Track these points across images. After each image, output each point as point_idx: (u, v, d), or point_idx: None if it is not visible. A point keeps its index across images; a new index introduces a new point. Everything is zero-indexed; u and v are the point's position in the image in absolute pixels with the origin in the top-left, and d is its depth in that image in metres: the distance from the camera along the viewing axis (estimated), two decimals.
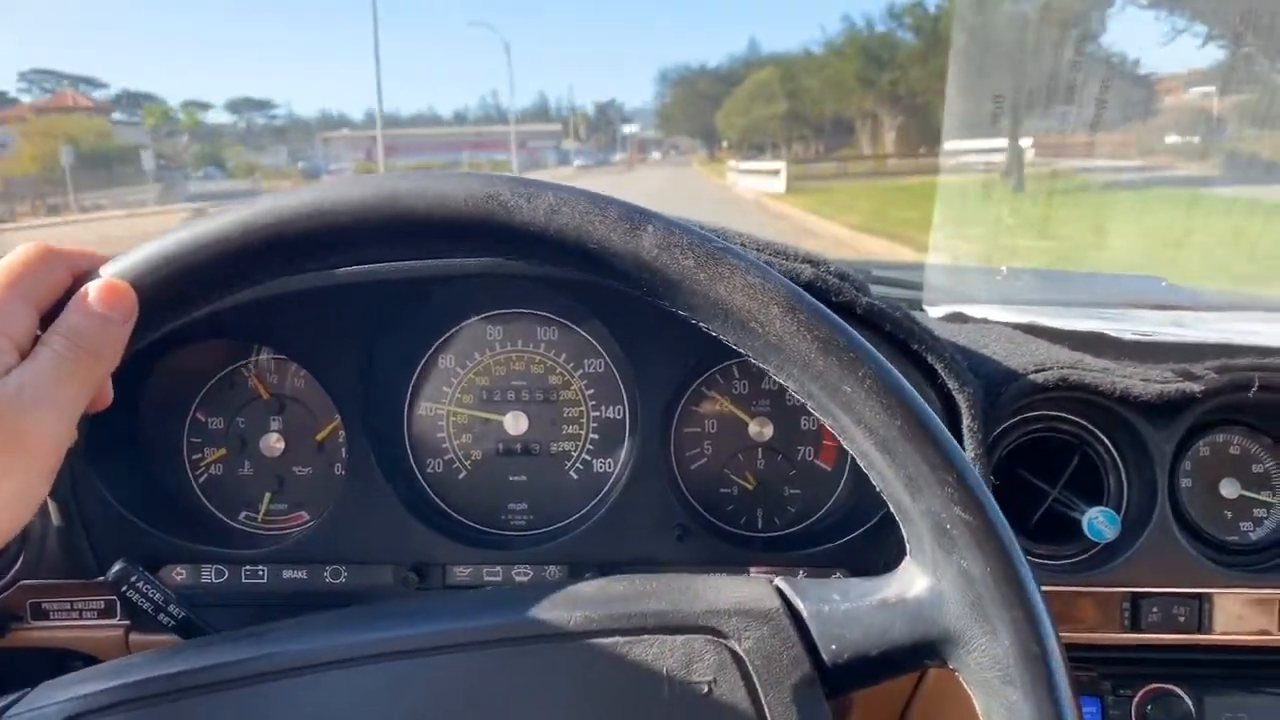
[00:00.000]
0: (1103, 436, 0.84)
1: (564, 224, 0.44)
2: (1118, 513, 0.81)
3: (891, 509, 0.46)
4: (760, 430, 0.90)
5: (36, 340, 0.44)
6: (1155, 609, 0.82)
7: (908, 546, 0.46)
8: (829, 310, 0.45)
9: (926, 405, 0.44)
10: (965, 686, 0.44)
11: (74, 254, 0.47)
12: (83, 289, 0.45)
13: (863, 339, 0.45)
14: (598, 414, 0.91)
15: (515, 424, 0.90)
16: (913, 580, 0.45)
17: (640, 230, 0.44)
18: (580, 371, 0.91)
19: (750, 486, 0.91)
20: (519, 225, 0.44)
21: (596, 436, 0.91)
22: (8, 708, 0.51)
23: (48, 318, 0.45)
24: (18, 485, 0.41)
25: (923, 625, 0.44)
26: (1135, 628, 0.83)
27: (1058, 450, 0.85)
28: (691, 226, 0.46)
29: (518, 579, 0.86)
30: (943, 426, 0.44)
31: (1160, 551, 0.82)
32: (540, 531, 0.90)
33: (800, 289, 0.45)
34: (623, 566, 0.86)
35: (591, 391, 0.91)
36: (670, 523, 0.85)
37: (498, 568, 0.86)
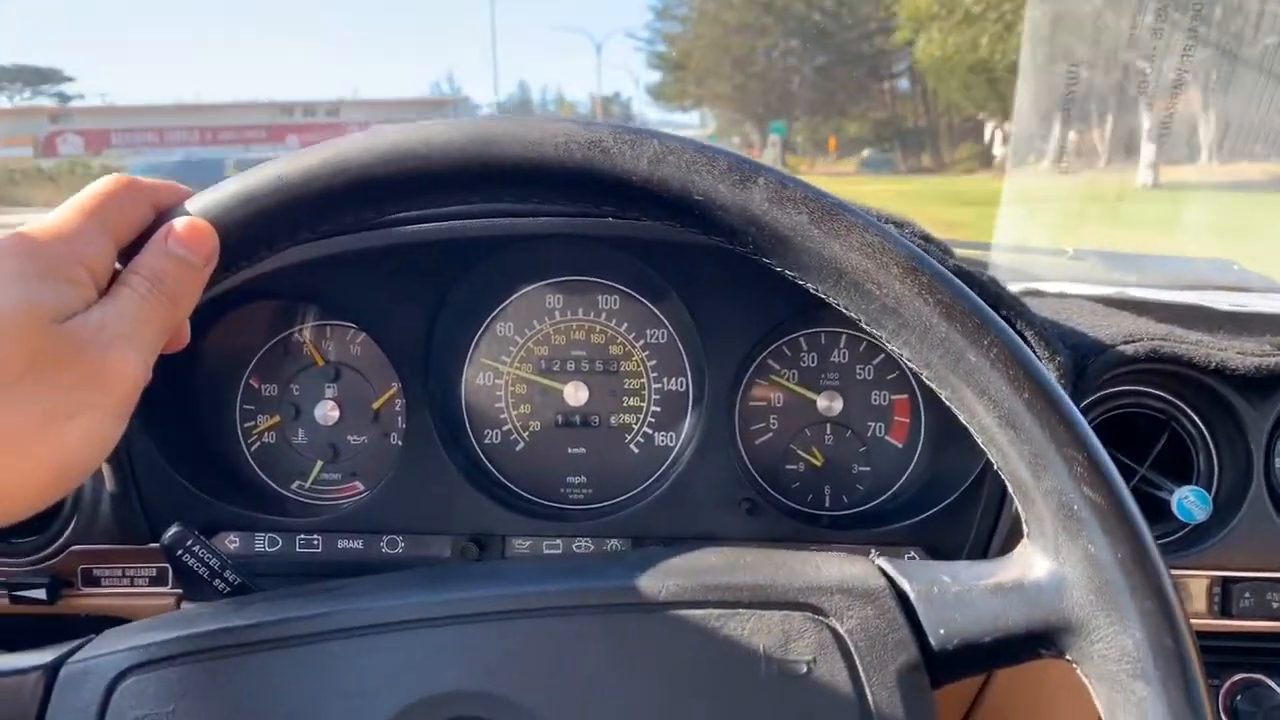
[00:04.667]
0: (1192, 413, 0.81)
1: (669, 173, 0.42)
2: (1208, 492, 0.78)
3: (1010, 488, 0.43)
4: (829, 405, 0.87)
5: (114, 274, 0.43)
6: (1248, 594, 0.78)
7: (1026, 528, 0.43)
8: (951, 274, 0.42)
9: (1054, 379, 0.41)
10: (1084, 680, 0.41)
11: (157, 186, 0.46)
12: (165, 226, 0.44)
13: (987, 305, 0.42)
14: (659, 386, 0.88)
15: (575, 394, 0.87)
16: (1031, 564, 0.43)
17: (750, 182, 0.42)
18: (642, 342, 0.88)
19: (818, 463, 0.87)
20: (621, 173, 0.42)
21: (658, 409, 0.88)
22: (73, 653, 0.49)
23: (127, 251, 0.44)
24: (97, 423, 0.40)
25: (1041, 612, 0.42)
26: (1226, 614, 0.79)
27: (1145, 427, 0.81)
28: (805, 181, 0.43)
29: (579, 553, 0.84)
30: (1070, 401, 0.41)
31: (1254, 534, 0.78)
32: (601, 505, 0.87)
33: (921, 251, 0.42)
34: (687, 542, 0.83)
35: (654, 363, 0.88)
36: (734, 499, 0.82)
37: (557, 540, 0.83)
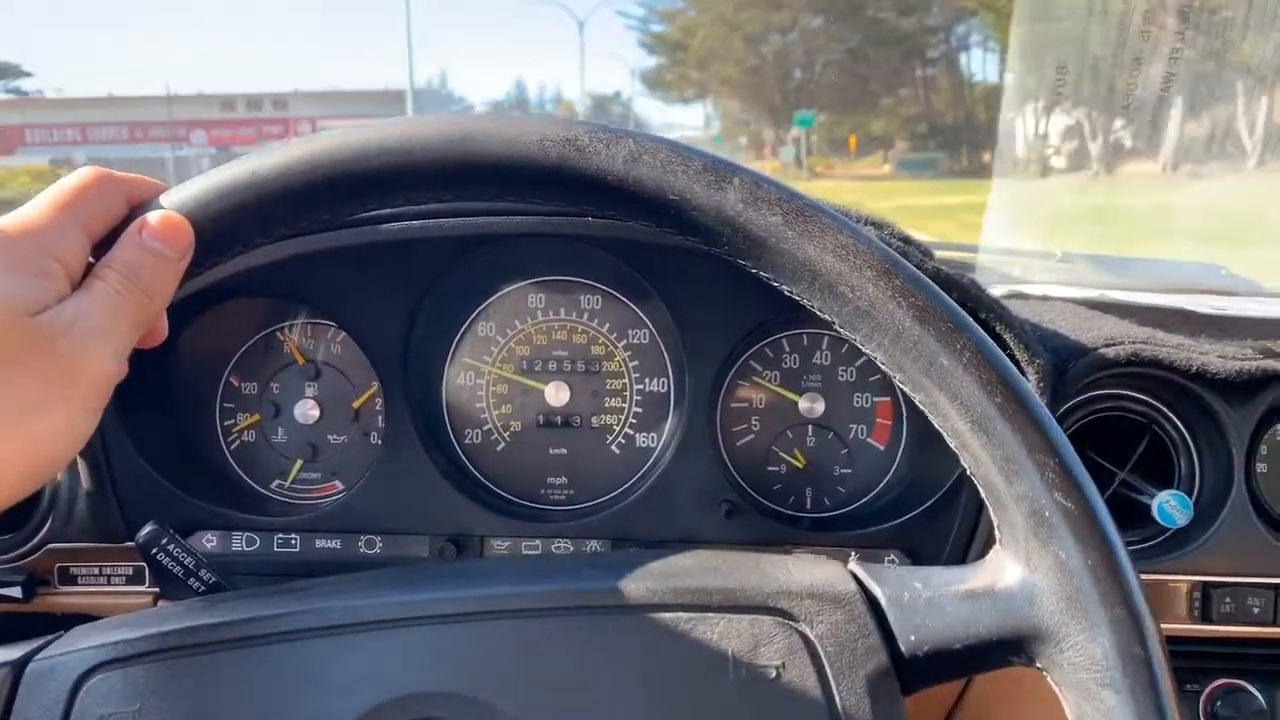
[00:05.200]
0: (1174, 417, 0.80)
1: (643, 173, 0.42)
2: (1189, 497, 0.78)
3: (983, 493, 0.43)
4: (811, 407, 0.87)
5: (88, 268, 0.42)
6: (1228, 599, 0.78)
7: (998, 534, 0.43)
8: (926, 278, 0.42)
9: (1027, 383, 0.41)
10: (1054, 688, 0.41)
11: (131, 181, 0.45)
12: (139, 220, 0.43)
13: (961, 309, 0.42)
14: (641, 387, 0.88)
15: (556, 395, 0.87)
16: (1003, 570, 0.42)
17: (725, 183, 0.42)
18: (624, 343, 0.88)
19: (799, 465, 0.87)
20: (596, 172, 0.42)
21: (640, 410, 0.88)
22: (40, 649, 0.49)
23: (101, 245, 0.43)
24: (68, 417, 0.40)
25: (1012, 620, 0.41)
26: (1206, 619, 0.79)
27: (1126, 431, 0.81)
28: (780, 182, 0.43)
29: (550, 554, 0.83)
30: (1044, 406, 0.41)
31: (1235, 539, 0.78)
32: (581, 506, 0.87)
33: (895, 254, 0.42)
34: (666, 544, 0.83)
35: (635, 363, 0.88)
36: (715, 500, 0.82)
37: (536, 541, 0.83)
